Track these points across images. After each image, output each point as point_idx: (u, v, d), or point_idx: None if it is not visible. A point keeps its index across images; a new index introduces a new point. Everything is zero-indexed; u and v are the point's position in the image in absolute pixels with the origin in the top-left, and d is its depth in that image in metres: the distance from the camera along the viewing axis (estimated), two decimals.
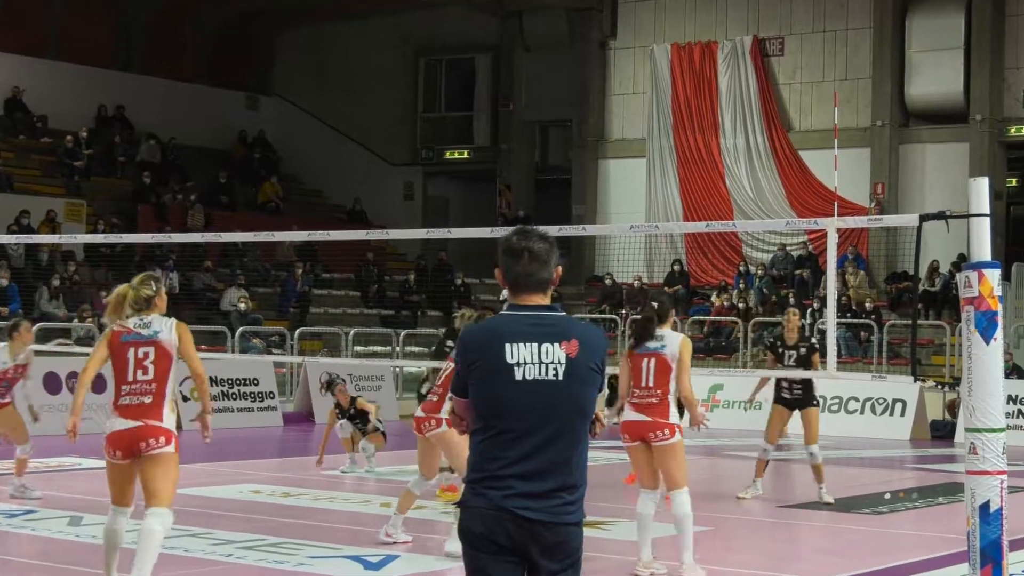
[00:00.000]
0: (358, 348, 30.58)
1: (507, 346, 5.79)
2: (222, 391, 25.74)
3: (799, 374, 16.30)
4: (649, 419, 11.54)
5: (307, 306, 34.71)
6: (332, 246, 35.13)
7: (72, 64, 39.49)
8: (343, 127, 44.20)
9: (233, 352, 27.89)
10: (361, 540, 13.06)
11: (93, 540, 12.58)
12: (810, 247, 35.30)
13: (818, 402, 16.69)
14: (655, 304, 11.88)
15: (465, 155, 43.85)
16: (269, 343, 30.92)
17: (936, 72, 35.23)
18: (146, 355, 9.72)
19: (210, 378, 25.78)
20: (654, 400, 11.57)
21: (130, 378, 9.73)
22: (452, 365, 9.60)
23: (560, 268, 6.03)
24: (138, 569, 9.39)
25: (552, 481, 5.74)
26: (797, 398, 16.54)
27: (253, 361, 26.66)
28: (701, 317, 34.25)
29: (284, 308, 34.48)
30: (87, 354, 15.15)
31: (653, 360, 11.64)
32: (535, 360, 5.77)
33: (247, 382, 26.08)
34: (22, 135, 37.78)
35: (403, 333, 32.28)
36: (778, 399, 16.77)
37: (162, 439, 9.62)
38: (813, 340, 16.52)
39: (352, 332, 30.54)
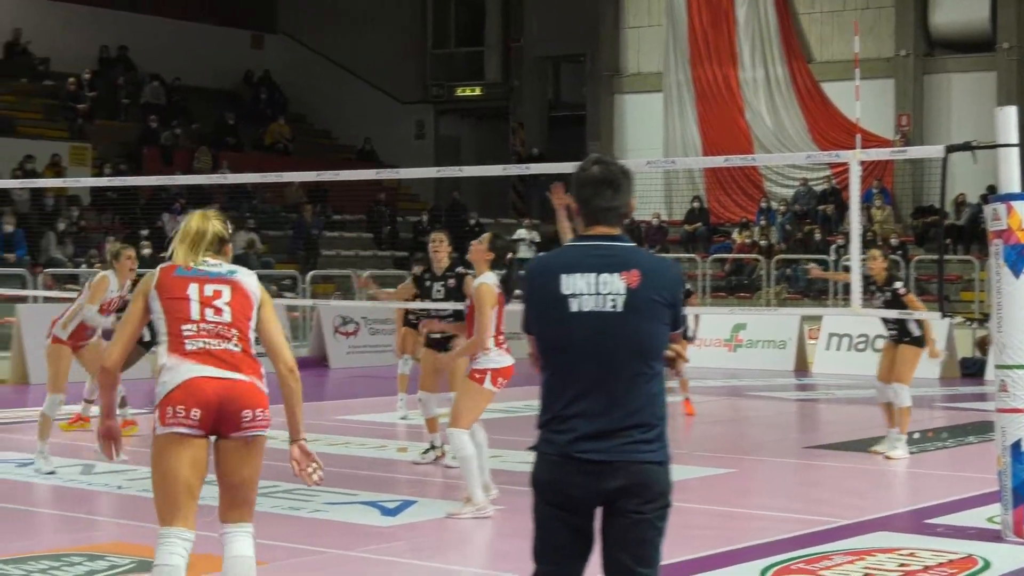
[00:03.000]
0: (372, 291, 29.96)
1: (562, 277, 5.54)
2: None
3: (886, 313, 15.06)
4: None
5: (318, 248, 34.13)
6: (342, 187, 34.54)
7: (73, 4, 38.76)
8: (351, 65, 43.37)
9: None
10: (378, 486, 12.88)
11: (105, 488, 12.53)
12: (833, 181, 34.64)
13: (913, 339, 15.06)
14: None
15: (477, 92, 43.19)
16: (281, 287, 30.34)
17: None
18: (217, 293, 6.90)
19: None
20: None
21: (194, 316, 6.83)
22: None
23: (635, 199, 5.78)
24: None
25: (616, 420, 5.48)
26: (893, 335, 15.30)
27: None
28: (722, 255, 33.56)
29: (295, 251, 33.92)
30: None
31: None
32: (592, 291, 5.52)
33: None
34: (23, 78, 37.14)
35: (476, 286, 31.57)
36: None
37: (266, 412, 6.82)
38: (897, 284, 15.24)
39: (365, 274, 29.89)
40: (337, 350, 26.91)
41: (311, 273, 30.09)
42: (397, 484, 13.20)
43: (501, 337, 11.49)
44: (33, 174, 30.67)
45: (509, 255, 11.88)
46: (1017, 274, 8.84)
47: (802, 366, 27.17)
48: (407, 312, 16.36)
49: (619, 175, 5.66)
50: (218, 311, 6.85)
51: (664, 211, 35.90)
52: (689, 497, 11.61)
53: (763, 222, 34.14)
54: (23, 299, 23.40)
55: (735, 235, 34.40)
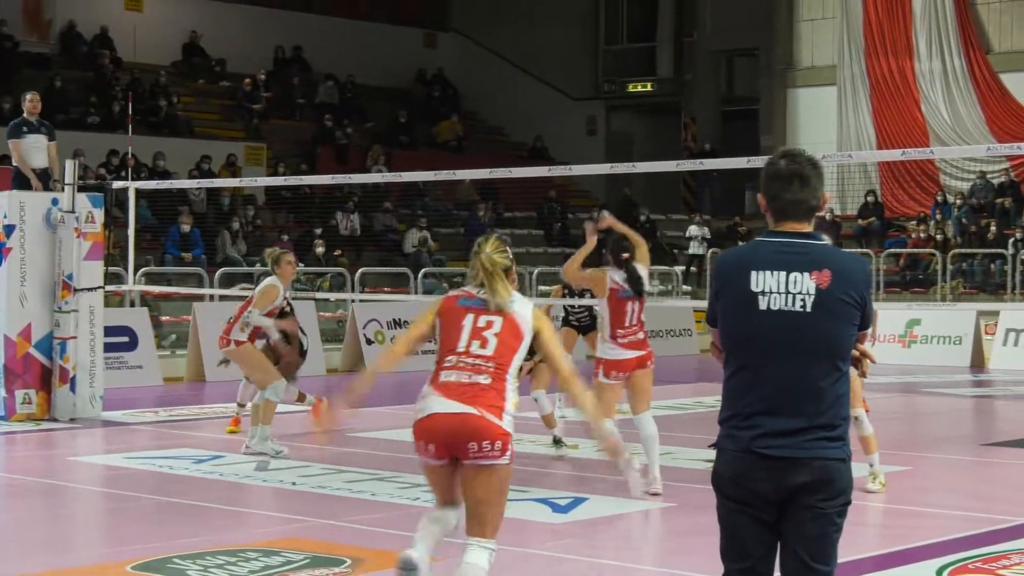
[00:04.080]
0: (542, 287, 29.98)
1: (753, 274, 5.54)
2: None
3: None
4: (643, 352, 12.19)
5: None
6: (514, 184, 34.61)
7: (248, 6, 39.38)
8: (523, 62, 43.53)
9: (416, 293, 27.49)
10: (549, 482, 12.93)
11: (279, 484, 12.69)
12: (1012, 174, 33.96)
13: None
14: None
15: (648, 87, 43.05)
16: (452, 284, 30.47)
17: None
18: (488, 324, 7.24)
19: (394, 320, 25.77)
20: (641, 335, 12.29)
21: (460, 348, 7.23)
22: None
23: (827, 193, 5.76)
24: None
25: (802, 419, 5.47)
26: None
27: None
28: (897, 250, 33.06)
29: (467, 248, 34.00)
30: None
31: (638, 304, 12.36)
32: (781, 290, 5.51)
33: None
34: (201, 79, 37.78)
35: (588, 271, 31.60)
36: None
37: (497, 444, 7.23)
38: None
39: (536, 271, 29.95)
40: None
41: None
42: (566, 481, 13.19)
43: (620, 331, 12.17)
44: (209, 174, 31.15)
45: (624, 255, 12.65)
46: None
47: (978, 362, 26.66)
48: (568, 313, 16.55)
49: (807, 168, 5.61)
50: (484, 343, 7.23)
51: (837, 206, 35.46)
52: (864, 494, 11.47)
53: (939, 216, 33.58)
54: (200, 298, 23.79)
55: (911, 227, 33.89)
